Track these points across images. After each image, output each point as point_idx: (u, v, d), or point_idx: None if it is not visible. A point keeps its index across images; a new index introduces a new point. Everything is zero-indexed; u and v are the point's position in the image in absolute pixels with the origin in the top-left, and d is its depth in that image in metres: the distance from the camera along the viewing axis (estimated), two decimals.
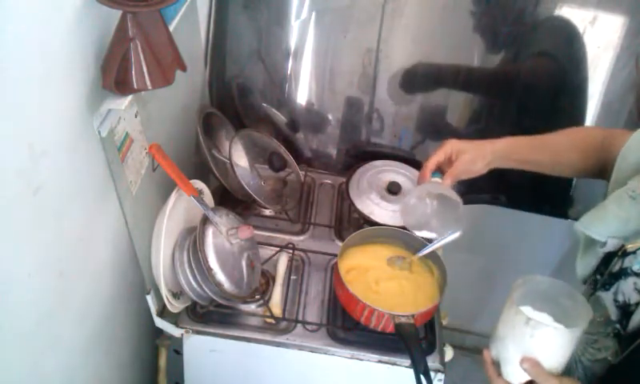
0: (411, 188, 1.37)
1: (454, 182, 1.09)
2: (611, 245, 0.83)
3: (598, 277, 0.87)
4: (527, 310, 0.81)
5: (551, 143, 1.07)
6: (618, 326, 0.81)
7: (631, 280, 0.80)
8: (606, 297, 0.83)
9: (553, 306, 0.82)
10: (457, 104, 1.45)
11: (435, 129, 1.49)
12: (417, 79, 1.42)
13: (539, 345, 0.79)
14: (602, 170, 0.99)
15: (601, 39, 1.30)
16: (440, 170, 1.10)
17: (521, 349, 0.80)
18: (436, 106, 1.46)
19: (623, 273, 0.81)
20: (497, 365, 0.85)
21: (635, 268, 0.79)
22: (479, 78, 1.42)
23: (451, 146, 1.08)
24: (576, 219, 0.87)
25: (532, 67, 1.37)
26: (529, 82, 1.38)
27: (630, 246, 0.81)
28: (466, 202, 1.41)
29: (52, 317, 0.80)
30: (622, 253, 0.82)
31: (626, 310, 0.80)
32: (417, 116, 1.47)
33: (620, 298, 0.81)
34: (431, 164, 1.08)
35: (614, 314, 0.82)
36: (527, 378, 0.81)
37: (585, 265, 0.90)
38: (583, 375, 0.88)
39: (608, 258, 0.85)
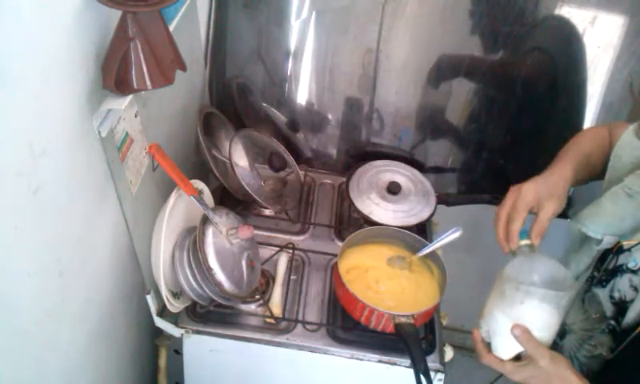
0: (410, 189, 1.37)
1: (542, 237, 0.91)
2: (607, 242, 0.84)
3: (595, 274, 0.87)
4: (517, 277, 0.81)
5: (588, 154, 0.98)
6: (612, 322, 0.82)
7: (627, 277, 0.80)
8: (602, 293, 0.83)
9: (540, 277, 0.83)
10: (457, 103, 1.45)
11: (435, 128, 1.49)
12: (442, 72, 1.40)
13: (529, 311, 0.80)
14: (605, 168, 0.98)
15: (601, 39, 1.30)
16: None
17: (511, 317, 0.81)
18: (435, 106, 1.46)
19: (619, 270, 0.81)
20: (485, 343, 0.86)
21: (631, 265, 0.79)
22: (486, 70, 1.40)
23: (525, 196, 0.91)
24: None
25: (531, 63, 1.37)
26: (528, 79, 1.38)
27: (625, 242, 0.81)
28: (466, 202, 1.42)
29: (52, 317, 0.80)
30: (617, 250, 0.82)
31: (621, 307, 0.80)
32: (417, 116, 1.47)
33: (616, 295, 0.81)
34: (518, 225, 0.90)
35: (609, 310, 0.82)
36: (516, 350, 0.82)
37: (578, 262, 0.90)
38: (579, 371, 0.88)
39: (603, 254, 0.86)
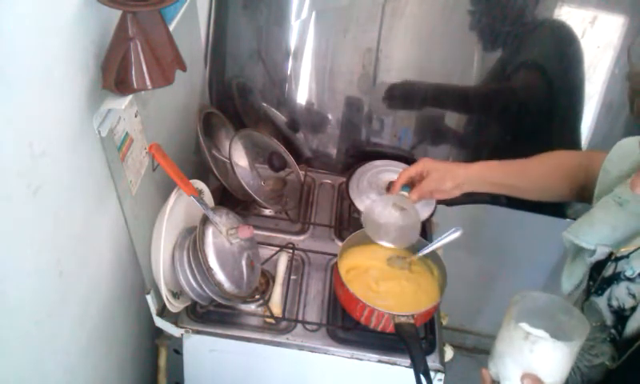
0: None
1: (420, 199, 1.14)
2: (600, 253, 0.83)
3: (591, 283, 0.87)
4: (525, 326, 0.81)
5: (527, 168, 1.09)
6: (613, 331, 0.81)
7: (624, 285, 0.79)
8: (600, 302, 0.83)
9: (549, 321, 0.81)
10: (457, 104, 1.45)
11: (435, 128, 1.49)
12: (401, 98, 1.45)
13: (539, 360, 0.78)
14: (581, 192, 1.00)
15: (601, 39, 1.30)
16: (411, 186, 1.16)
17: (520, 365, 0.80)
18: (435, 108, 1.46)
19: (616, 277, 0.81)
20: (496, 383, 0.85)
21: (628, 273, 0.79)
22: (474, 97, 1.43)
23: (424, 163, 1.13)
24: (575, 219, 0.87)
25: (525, 83, 1.38)
26: (528, 79, 1.38)
27: (623, 249, 0.81)
28: (466, 202, 1.42)
29: (52, 317, 0.80)
30: (614, 257, 0.82)
31: (620, 315, 0.80)
32: (416, 116, 1.47)
33: (614, 303, 0.81)
34: (402, 178, 1.15)
35: (609, 319, 0.82)
36: None
37: (570, 275, 0.90)
38: (580, 382, 0.87)
39: (597, 266, 0.85)
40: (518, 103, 1.41)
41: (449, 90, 1.43)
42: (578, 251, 0.87)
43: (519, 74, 1.38)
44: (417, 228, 1.17)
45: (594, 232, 0.84)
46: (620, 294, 0.80)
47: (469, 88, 1.41)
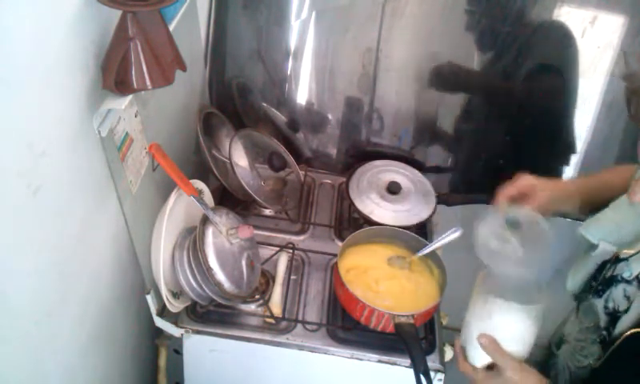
0: (410, 189, 1.37)
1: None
2: (603, 250, 0.84)
3: (593, 283, 0.87)
4: (487, 291, 0.84)
5: (609, 181, 0.99)
6: (604, 332, 0.81)
7: (621, 287, 0.80)
8: (599, 303, 0.83)
9: (509, 289, 0.84)
10: (457, 103, 1.45)
11: (435, 128, 1.49)
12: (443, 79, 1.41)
13: (497, 324, 0.82)
14: None
15: (601, 39, 1.30)
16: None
17: (481, 329, 0.84)
18: (436, 105, 1.45)
19: (615, 280, 0.81)
20: (464, 350, 0.89)
21: (625, 275, 0.80)
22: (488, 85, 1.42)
23: (527, 180, 0.97)
24: (576, 219, 0.88)
25: (530, 64, 1.37)
26: (527, 80, 1.38)
27: (624, 251, 0.81)
28: (466, 202, 1.42)
29: (52, 317, 0.80)
30: (615, 259, 0.82)
31: (614, 317, 0.80)
32: (417, 115, 1.47)
33: (610, 305, 0.81)
34: (504, 197, 0.97)
35: (603, 320, 0.82)
36: (488, 359, 0.84)
37: (576, 272, 0.91)
38: (570, 382, 0.89)
39: (602, 267, 0.86)
40: (518, 103, 1.41)
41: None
42: (588, 248, 0.88)
43: (519, 74, 1.38)
44: (548, 238, 0.91)
45: (600, 227, 0.84)
46: (617, 295, 0.80)
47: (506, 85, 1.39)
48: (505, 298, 0.83)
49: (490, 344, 0.84)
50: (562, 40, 1.32)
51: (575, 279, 0.90)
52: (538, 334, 0.85)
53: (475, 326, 0.86)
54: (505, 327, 0.83)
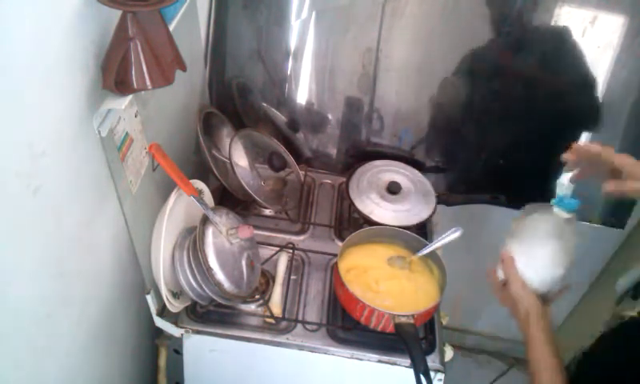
0: (410, 189, 1.37)
1: (615, 190, 0.78)
2: None
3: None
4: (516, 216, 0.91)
5: None
6: None
7: None
8: (636, 306, 0.84)
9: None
10: (457, 103, 1.45)
11: (435, 128, 1.49)
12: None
13: (517, 244, 0.89)
14: None
15: (601, 39, 1.30)
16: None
17: (516, 246, 0.89)
18: (436, 105, 1.45)
19: None
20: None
21: None
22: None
23: (626, 159, 0.79)
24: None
25: (531, 65, 1.37)
26: (527, 80, 1.38)
27: None
28: (466, 202, 1.42)
29: (52, 317, 0.80)
30: None
31: None
32: (417, 115, 1.47)
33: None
34: (585, 148, 0.85)
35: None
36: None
37: (628, 275, 0.91)
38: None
39: None
40: (518, 103, 1.41)
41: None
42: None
43: (519, 75, 1.38)
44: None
45: None
46: None
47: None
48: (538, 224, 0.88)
49: (507, 260, 0.88)
50: (564, 39, 1.32)
51: (626, 280, 0.91)
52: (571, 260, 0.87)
53: (511, 242, 0.90)
54: (524, 252, 0.88)
